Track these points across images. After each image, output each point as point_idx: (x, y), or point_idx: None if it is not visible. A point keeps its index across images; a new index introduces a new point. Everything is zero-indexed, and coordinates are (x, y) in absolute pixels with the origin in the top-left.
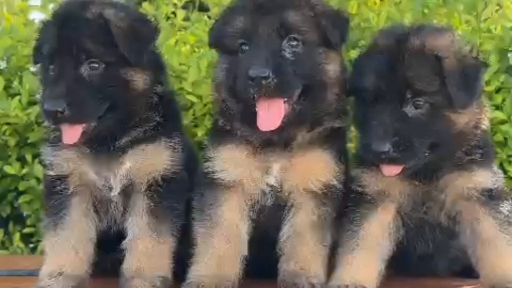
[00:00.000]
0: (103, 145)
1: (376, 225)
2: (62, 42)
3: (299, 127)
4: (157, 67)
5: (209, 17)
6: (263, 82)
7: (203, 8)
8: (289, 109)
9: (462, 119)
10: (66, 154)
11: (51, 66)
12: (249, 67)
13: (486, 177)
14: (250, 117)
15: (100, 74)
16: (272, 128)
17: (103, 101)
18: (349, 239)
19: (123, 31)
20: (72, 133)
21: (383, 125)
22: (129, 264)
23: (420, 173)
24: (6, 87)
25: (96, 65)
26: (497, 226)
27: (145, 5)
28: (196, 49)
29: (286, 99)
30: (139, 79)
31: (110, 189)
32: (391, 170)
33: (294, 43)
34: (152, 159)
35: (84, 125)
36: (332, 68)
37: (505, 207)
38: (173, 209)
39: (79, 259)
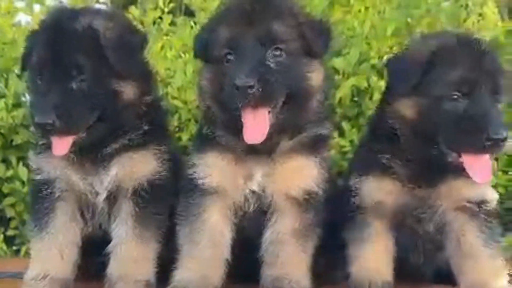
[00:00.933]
0: (90, 152)
1: (381, 226)
2: (52, 54)
3: (283, 135)
4: (146, 76)
5: (195, 23)
6: (249, 91)
7: (190, 13)
8: (273, 119)
9: None
10: (53, 160)
11: (40, 77)
12: (235, 76)
13: (486, 188)
14: (234, 125)
15: (89, 86)
16: (259, 141)
17: (92, 112)
18: (361, 236)
19: (113, 42)
20: (62, 145)
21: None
22: (114, 268)
23: (422, 177)
24: None
25: (85, 77)
26: (481, 241)
27: (132, 9)
28: (182, 54)
29: (270, 109)
30: (129, 90)
31: (96, 194)
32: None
33: (278, 53)
34: (139, 166)
35: (73, 136)
36: (315, 76)
37: (493, 223)
38: (158, 214)
39: (64, 263)
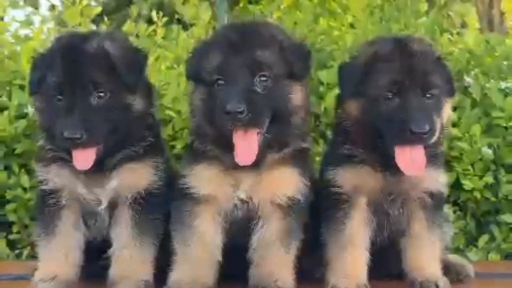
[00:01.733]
0: (96, 163)
1: (359, 220)
2: (71, 74)
3: (269, 150)
4: (149, 90)
5: (187, 35)
6: (239, 116)
7: (183, 27)
8: (261, 139)
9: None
10: (59, 171)
11: (59, 96)
12: (225, 102)
13: (444, 178)
14: (223, 141)
15: (106, 101)
16: (249, 162)
17: (108, 124)
18: (337, 238)
19: (122, 61)
20: (85, 158)
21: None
22: (115, 270)
23: (386, 164)
24: None
25: (103, 94)
26: (427, 228)
27: (127, 25)
28: (176, 66)
29: (258, 131)
30: (138, 103)
31: (99, 202)
32: None
33: (264, 78)
34: (139, 177)
35: (95, 149)
36: (297, 97)
37: (440, 212)
38: (154, 220)
39: (69, 265)
